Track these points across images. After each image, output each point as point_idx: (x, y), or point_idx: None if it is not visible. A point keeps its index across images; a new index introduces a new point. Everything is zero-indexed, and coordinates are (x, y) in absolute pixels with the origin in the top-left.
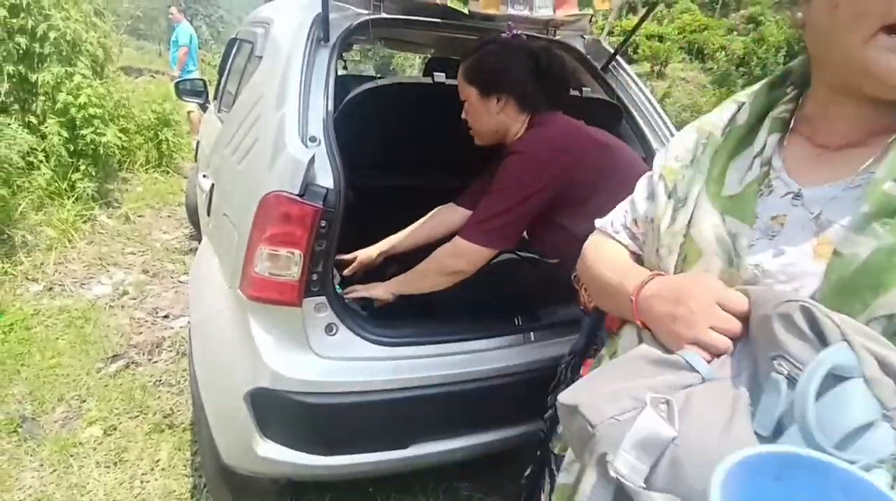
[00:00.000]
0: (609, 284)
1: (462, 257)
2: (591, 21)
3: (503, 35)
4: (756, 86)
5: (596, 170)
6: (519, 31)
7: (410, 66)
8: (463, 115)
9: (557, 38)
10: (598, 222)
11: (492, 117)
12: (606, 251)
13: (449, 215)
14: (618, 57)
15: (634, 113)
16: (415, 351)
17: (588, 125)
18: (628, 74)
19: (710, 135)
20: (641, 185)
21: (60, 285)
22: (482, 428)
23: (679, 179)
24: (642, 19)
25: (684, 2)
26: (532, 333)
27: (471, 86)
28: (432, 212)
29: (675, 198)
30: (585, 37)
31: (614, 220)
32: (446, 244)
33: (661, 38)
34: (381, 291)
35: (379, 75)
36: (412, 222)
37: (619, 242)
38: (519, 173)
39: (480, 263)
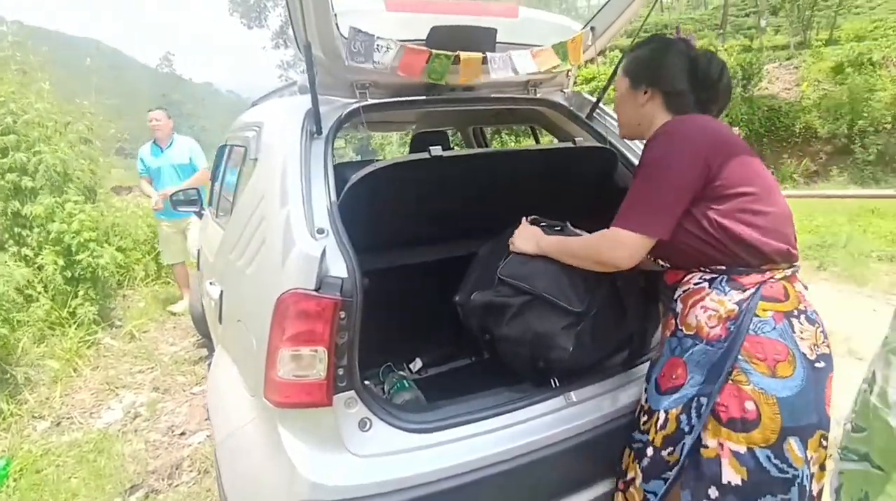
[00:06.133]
0: None
1: (622, 248)
2: (567, 76)
3: (671, 35)
4: None
5: (746, 165)
6: (687, 37)
7: (389, 144)
8: (615, 106)
9: (539, 96)
10: None
11: (636, 109)
12: None
13: None
14: (600, 104)
15: (627, 154)
16: (455, 434)
17: (586, 172)
18: (613, 118)
19: None
20: None
21: (69, 418)
22: None
23: None
24: (615, 70)
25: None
26: (573, 393)
27: (624, 76)
28: None
29: None
30: (565, 90)
31: None
32: (602, 232)
33: None
34: (531, 245)
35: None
36: (432, 299)
37: None
38: (666, 153)
39: (641, 254)
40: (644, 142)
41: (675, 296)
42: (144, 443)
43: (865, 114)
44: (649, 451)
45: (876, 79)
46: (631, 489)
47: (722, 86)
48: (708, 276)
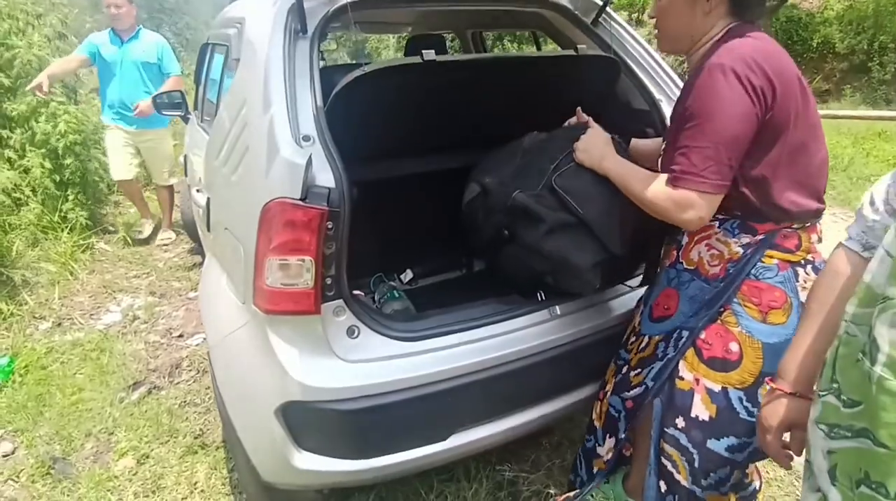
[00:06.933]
0: (798, 339)
1: (693, 212)
2: None
3: None
4: None
5: (793, 108)
6: None
7: (385, 48)
8: (651, 13)
9: None
10: (846, 233)
11: (695, 19)
12: (830, 299)
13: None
14: (607, 8)
15: (632, 65)
16: (440, 343)
17: (587, 83)
18: (621, 25)
19: None
20: None
21: (69, 319)
22: (519, 410)
23: None
24: None
25: None
26: (557, 307)
27: None
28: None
29: None
30: None
31: (874, 202)
32: (670, 193)
33: None
34: (597, 160)
35: (354, 62)
36: (424, 211)
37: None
38: (731, 101)
39: (711, 215)
40: (686, 57)
41: (682, 229)
42: (144, 344)
43: (888, 28)
44: (625, 369)
45: None
46: (605, 399)
47: None
48: (721, 216)
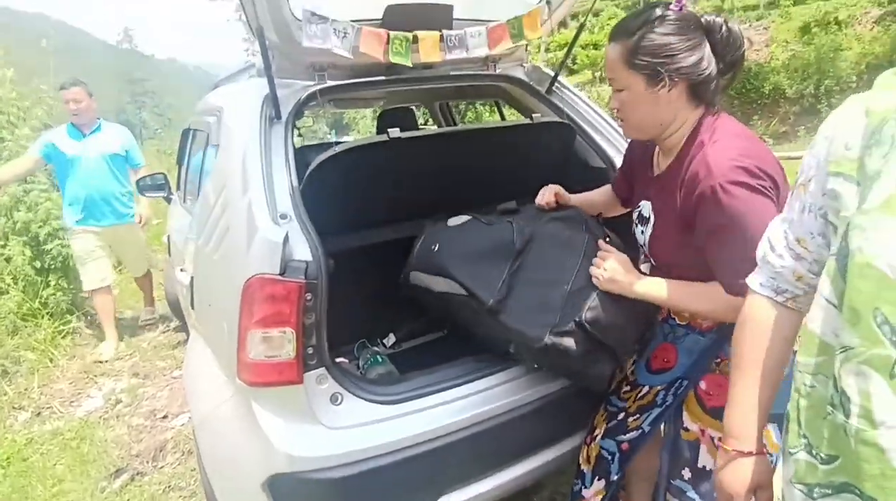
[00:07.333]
0: (736, 396)
1: (738, 308)
2: (526, 49)
3: (671, 7)
4: None
5: (784, 193)
6: (685, 3)
7: (363, 118)
8: (614, 105)
9: (498, 71)
10: (754, 281)
11: (658, 109)
12: (758, 346)
13: (606, 195)
14: (559, 77)
15: (586, 127)
16: (421, 404)
17: (546, 147)
18: (572, 92)
19: None
20: (793, 203)
21: (48, 408)
22: (505, 466)
23: (860, 163)
24: (571, 44)
25: (609, 9)
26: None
27: (633, 73)
28: (598, 193)
29: (863, 180)
30: (525, 65)
31: (775, 249)
32: (727, 299)
33: (595, 46)
34: (627, 287)
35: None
36: (396, 274)
37: (780, 292)
38: (756, 206)
39: None
40: (658, 142)
41: None
42: (127, 428)
43: (831, 74)
44: (621, 416)
45: (841, 38)
46: (593, 443)
47: (741, 56)
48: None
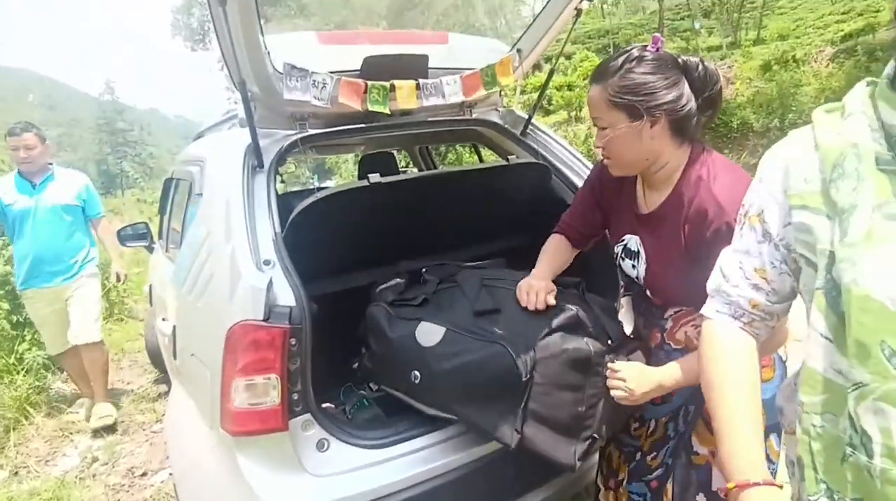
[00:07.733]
0: (723, 427)
1: None
2: (501, 94)
3: (648, 48)
4: (866, 91)
5: None
6: (662, 42)
7: (345, 162)
8: (598, 143)
9: (474, 115)
10: (709, 310)
11: (643, 145)
12: (727, 367)
13: (566, 252)
14: (533, 120)
15: (561, 167)
16: (409, 447)
17: (522, 187)
18: (546, 133)
19: (856, 147)
20: (745, 234)
21: (25, 467)
22: None
23: (825, 197)
24: (543, 88)
25: (581, 52)
26: None
27: (616, 111)
28: (549, 247)
29: (834, 213)
30: (500, 109)
31: (730, 279)
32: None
33: (570, 87)
34: (654, 388)
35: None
36: None
37: (739, 314)
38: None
39: None
40: (647, 177)
41: (665, 316)
42: (104, 487)
43: (794, 108)
44: (638, 455)
45: (800, 74)
46: (620, 489)
47: (718, 92)
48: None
